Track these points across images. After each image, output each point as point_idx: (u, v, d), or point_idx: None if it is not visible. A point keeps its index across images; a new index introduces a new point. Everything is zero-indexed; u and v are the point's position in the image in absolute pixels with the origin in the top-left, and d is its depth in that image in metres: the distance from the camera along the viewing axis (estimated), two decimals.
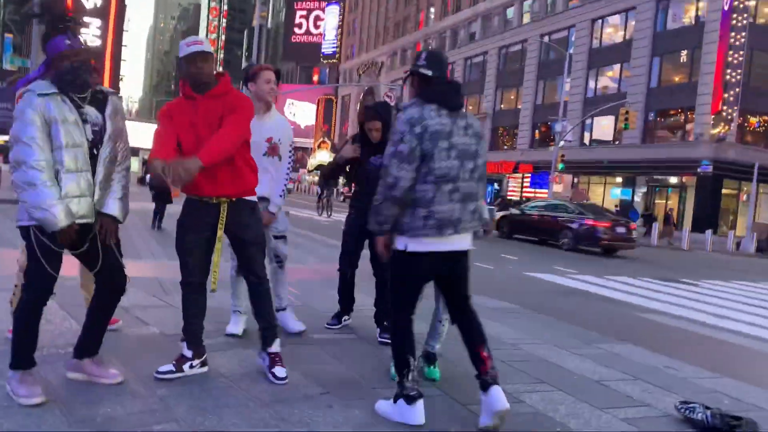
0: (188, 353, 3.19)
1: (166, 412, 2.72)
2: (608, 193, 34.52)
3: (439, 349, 3.56)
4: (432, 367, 3.54)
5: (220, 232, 3.17)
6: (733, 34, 28.08)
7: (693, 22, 30.24)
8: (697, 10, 30.24)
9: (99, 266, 2.89)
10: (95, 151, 2.82)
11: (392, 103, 55.73)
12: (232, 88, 3.19)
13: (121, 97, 3.63)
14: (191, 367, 3.17)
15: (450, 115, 2.86)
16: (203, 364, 3.25)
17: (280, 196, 4.01)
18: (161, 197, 12.21)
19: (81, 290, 3.78)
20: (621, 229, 16.63)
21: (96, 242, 2.85)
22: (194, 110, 3.09)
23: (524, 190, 39.56)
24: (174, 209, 15.55)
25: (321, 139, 62.73)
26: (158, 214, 12.32)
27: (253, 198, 3.32)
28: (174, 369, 3.12)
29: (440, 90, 2.91)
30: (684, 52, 30.69)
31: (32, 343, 2.78)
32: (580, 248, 16.63)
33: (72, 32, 2.84)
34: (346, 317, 4.60)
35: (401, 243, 2.88)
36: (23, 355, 2.76)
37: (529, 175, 38.94)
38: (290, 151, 4.11)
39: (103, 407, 2.71)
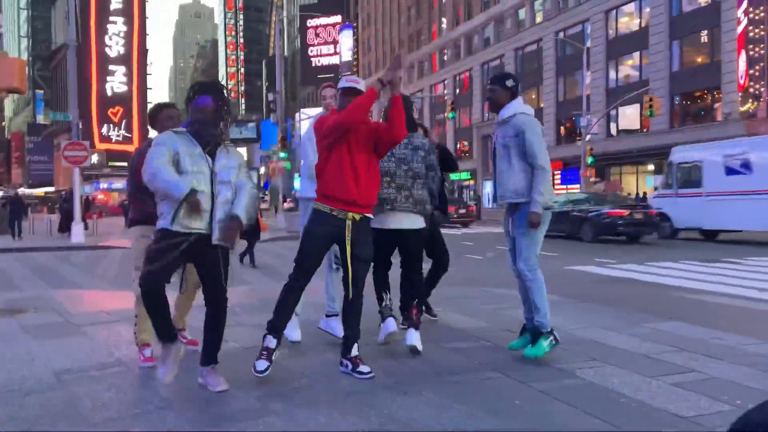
0: (273, 343, 3.57)
1: (264, 408, 3.12)
2: (642, 182, 34.19)
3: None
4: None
5: (349, 248, 3.63)
6: (751, 9, 27.79)
7: (709, 2, 30.02)
8: None
9: (206, 281, 3.40)
10: (214, 186, 3.34)
11: (416, 115, 56.27)
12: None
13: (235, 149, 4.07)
14: (274, 356, 3.58)
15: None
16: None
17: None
18: (251, 233, 11.22)
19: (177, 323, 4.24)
20: (639, 216, 16.74)
21: (210, 255, 3.34)
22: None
23: (555, 187, 39.44)
24: (265, 246, 15.54)
25: None
26: (248, 250, 11.52)
27: (371, 216, 3.79)
28: (269, 363, 3.51)
29: None
30: (703, 33, 30.42)
31: (166, 319, 3.35)
32: (603, 238, 16.69)
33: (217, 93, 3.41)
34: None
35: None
36: (163, 331, 3.31)
37: (559, 171, 38.83)
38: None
39: (211, 408, 3.14)
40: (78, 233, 18.21)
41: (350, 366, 3.65)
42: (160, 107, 4.23)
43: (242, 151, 47.34)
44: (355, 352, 3.69)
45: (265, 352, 3.54)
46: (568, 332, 4.86)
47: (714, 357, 4.07)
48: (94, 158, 54.43)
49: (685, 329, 5.01)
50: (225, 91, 3.49)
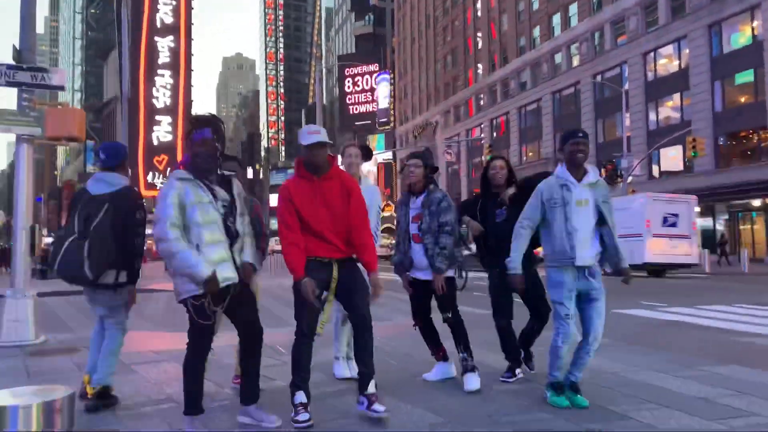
0: (304, 398, 3.52)
1: None
2: None
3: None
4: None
5: (333, 284, 3.66)
6: None
7: (751, 42, 29.73)
8: (752, 29, 29.78)
9: (240, 320, 3.45)
10: (228, 224, 3.39)
11: (452, 159, 55.65)
12: (340, 171, 3.81)
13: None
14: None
15: None
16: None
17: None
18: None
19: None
20: None
21: (244, 295, 3.44)
22: (313, 190, 3.66)
23: None
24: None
25: (385, 203, 64.30)
26: None
27: (354, 257, 3.81)
28: (309, 415, 3.45)
29: None
30: (747, 72, 30.02)
31: (198, 392, 3.30)
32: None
33: (215, 126, 3.49)
34: (518, 369, 4.67)
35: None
36: (192, 403, 3.27)
37: None
38: (378, 217, 4.70)
39: None
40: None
41: (366, 403, 3.57)
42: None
43: None
44: (371, 389, 3.60)
45: (300, 407, 3.50)
46: (619, 375, 4.73)
47: None
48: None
49: (744, 373, 4.80)
50: (221, 125, 3.56)
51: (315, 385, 4.34)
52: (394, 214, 5.23)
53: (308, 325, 3.63)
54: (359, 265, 3.81)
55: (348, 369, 4.63)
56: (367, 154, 4.74)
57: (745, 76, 30.04)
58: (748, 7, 29.48)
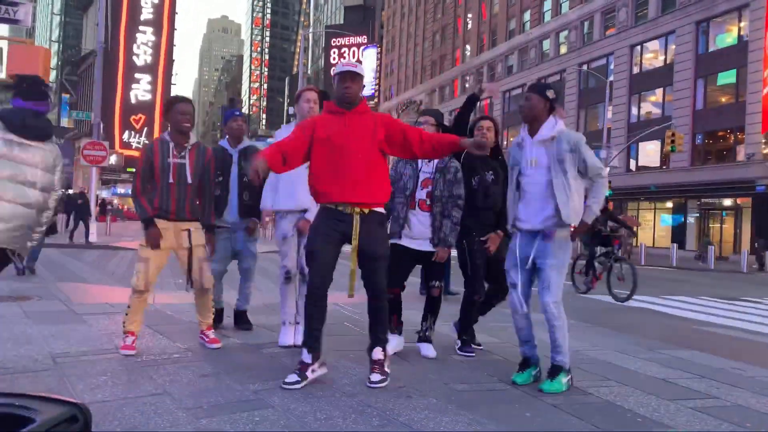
0: (308, 359, 3.32)
1: (258, 401, 2.98)
2: (658, 219, 33.81)
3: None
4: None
5: (355, 242, 3.33)
6: None
7: (736, 42, 29.91)
8: (739, 30, 29.93)
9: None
10: None
11: None
12: (369, 109, 3.54)
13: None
14: (312, 371, 3.31)
15: None
16: (321, 365, 3.39)
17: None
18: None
19: None
20: None
21: None
22: (343, 123, 3.37)
23: None
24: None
25: None
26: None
27: (382, 210, 3.51)
28: (299, 378, 3.25)
29: None
30: (730, 72, 30.25)
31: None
32: None
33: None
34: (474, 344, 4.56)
35: None
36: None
37: None
38: None
39: (208, 397, 3.01)
40: (92, 233, 18.25)
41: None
42: (176, 100, 4.15)
43: None
44: (377, 355, 3.42)
45: (299, 366, 3.32)
46: (582, 353, 4.68)
47: (736, 386, 3.87)
48: (113, 159, 55.01)
49: (705, 358, 4.80)
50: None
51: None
52: None
53: (320, 279, 3.33)
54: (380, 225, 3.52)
55: (293, 336, 4.30)
56: (323, 100, 4.41)
57: (728, 77, 30.25)
58: (737, 7, 29.57)
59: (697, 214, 31.94)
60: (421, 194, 4.13)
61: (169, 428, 2.58)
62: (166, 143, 4.01)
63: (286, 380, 3.24)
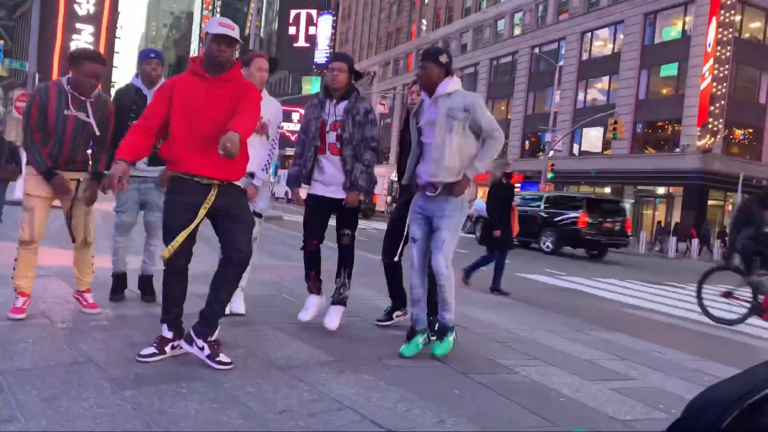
0: (169, 334, 3.16)
1: (188, 373, 2.94)
2: None
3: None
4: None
5: (203, 212, 3.08)
6: (718, 48, 28.75)
7: (680, 36, 30.91)
8: (684, 24, 30.92)
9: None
10: None
11: (386, 111, 55.09)
12: (240, 76, 3.26)
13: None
14: (172, 348, 3.15)
15: None
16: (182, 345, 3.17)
17: (263, 170, 4.06)
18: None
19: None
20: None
21: None
22: (205, 90, 3.11)
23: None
24: None
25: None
26: None
27: (240, 184, 3.32)
28: (156, 351, 3.10)
29: None
30: (672, 65, 31.30)
31: None
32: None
33: None
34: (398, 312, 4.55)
35: None
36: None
37: (519, 184, 39.36)
38: (277, 131, 4.24)
39: (135, 368, 2.94)
40: (19, 188, 17.38)
41: (208, 351, 3.08)
42: (85, 55, 3.70)
43: None
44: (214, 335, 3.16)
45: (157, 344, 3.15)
46: (513, 332, 4.84)
47: (654, 368, 4.09)
48: None
49: (628, 341, 5.04)
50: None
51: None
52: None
53: (176, 254, 3.11)
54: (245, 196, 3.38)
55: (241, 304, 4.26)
56: (272, 68, 4.23)
57: (670, 69, 31.32)
58: (684, 2, 30.51)
59: (633, 200, 33.24)
60: (331, 137, 4.02)
61: (93, 398, 2.51)
62: (64, 93, 3.69)
63: (142, 352, 3.08)
